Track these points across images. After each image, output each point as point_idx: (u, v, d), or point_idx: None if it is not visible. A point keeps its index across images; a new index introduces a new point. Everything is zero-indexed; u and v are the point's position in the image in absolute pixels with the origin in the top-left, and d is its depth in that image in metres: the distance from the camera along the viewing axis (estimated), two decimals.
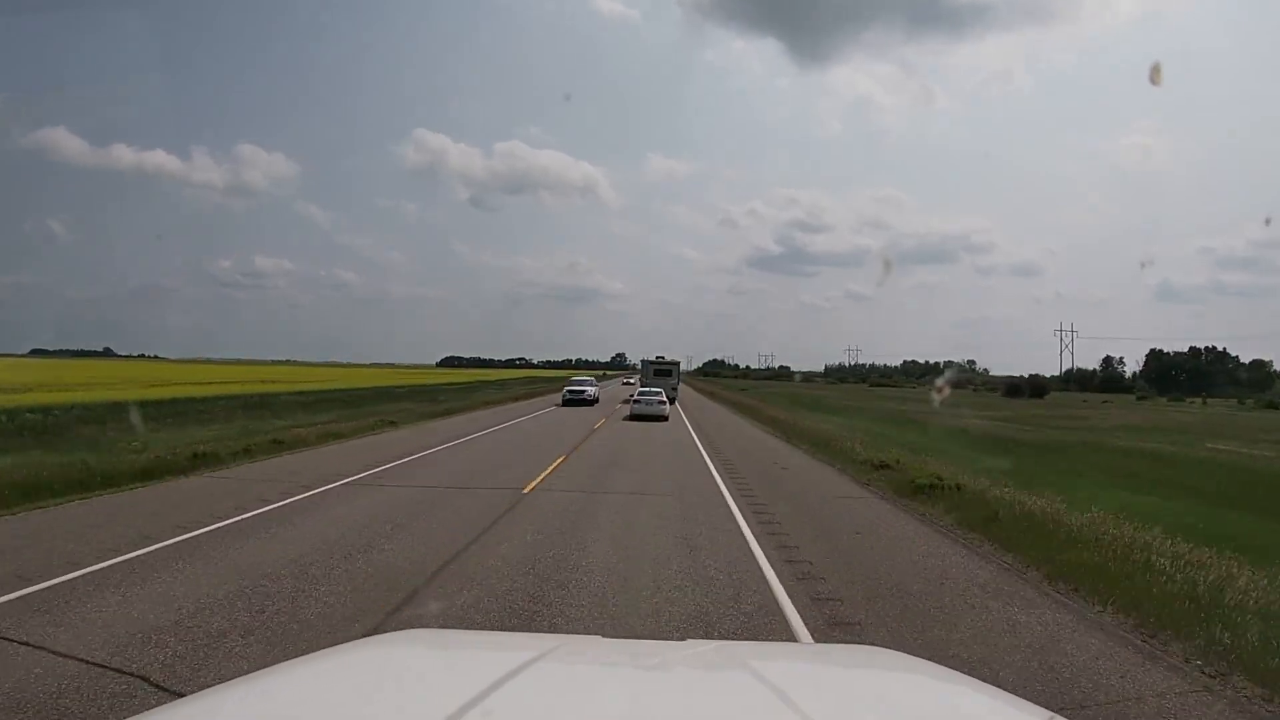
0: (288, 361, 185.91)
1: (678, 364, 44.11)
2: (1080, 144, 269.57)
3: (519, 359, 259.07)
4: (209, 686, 1.56)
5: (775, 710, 1.21)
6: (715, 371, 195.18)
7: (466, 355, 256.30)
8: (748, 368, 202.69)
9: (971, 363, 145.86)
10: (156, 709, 1.24)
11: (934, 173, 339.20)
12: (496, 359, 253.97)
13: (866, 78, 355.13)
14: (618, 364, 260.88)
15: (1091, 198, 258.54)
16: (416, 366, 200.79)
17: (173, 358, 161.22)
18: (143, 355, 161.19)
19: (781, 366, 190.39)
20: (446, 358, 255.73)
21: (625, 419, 26.07)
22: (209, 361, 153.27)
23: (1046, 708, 1.36)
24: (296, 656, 1.65)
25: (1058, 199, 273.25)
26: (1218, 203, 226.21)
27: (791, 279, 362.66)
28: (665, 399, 27.86)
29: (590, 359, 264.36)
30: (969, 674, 1.71)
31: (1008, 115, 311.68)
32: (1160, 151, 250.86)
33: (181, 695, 2.77)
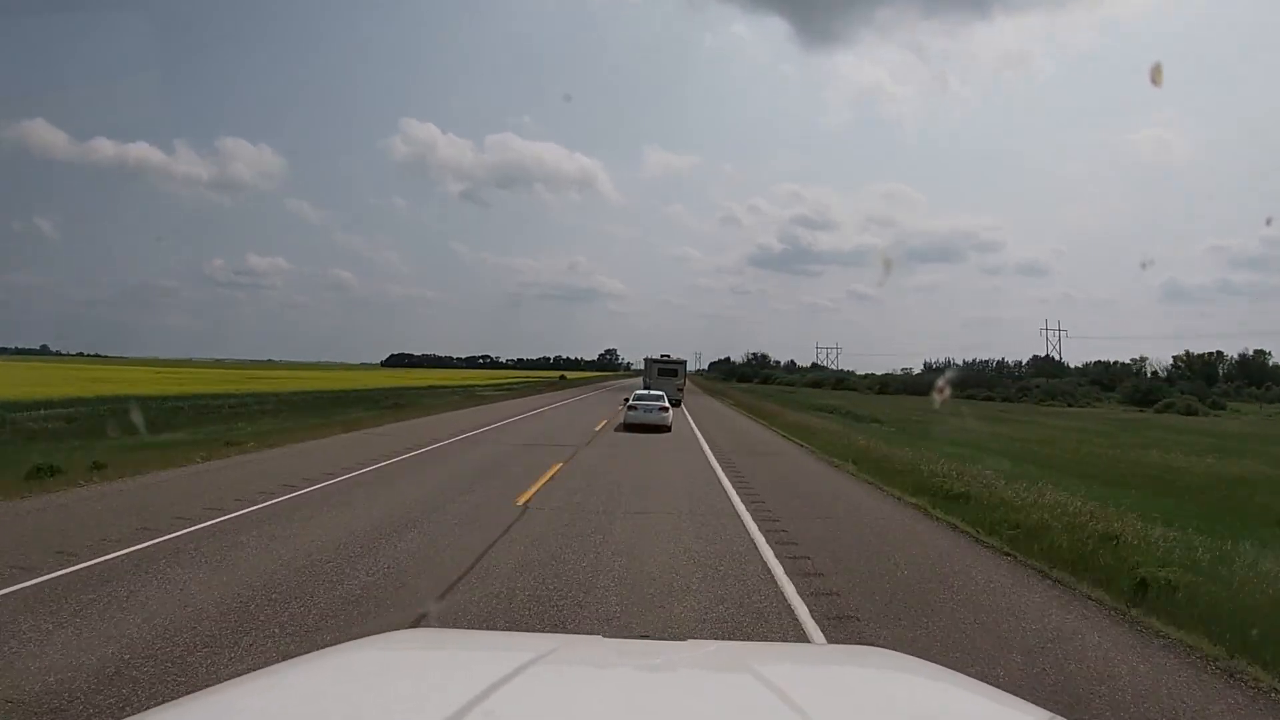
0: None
1: (684, 363, 40.84)
2: (1097, 136, 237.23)
3: (482, 357, 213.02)
4: (208, 686, 1.57)
5: (776, 711, 1.22)
6: (755, 374, 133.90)
7: (418, 353, 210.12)
8: (811, 364, 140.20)
9: (1264, 353, 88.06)
10: (156, 708, 1.25)
11: (945, 166, 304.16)
12: (455, 356, 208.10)
13: (877, 64, 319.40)
14: (607, 363, 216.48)
15: (1106, 192, 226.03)
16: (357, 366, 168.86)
17: (113, 355, 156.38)
18: (81, 354, 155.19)
19: (815, 365, 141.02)
20: (392, 355, 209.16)
21: (618, 429, 21.83)
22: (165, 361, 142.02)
23: (1045, 707, 1.39)
24: (298, 655, 1.74)
25: (1071, 193, 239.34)
26: (1235, 198, 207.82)
27: (796, 277, 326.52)
28: (667, 404, 23.32)
29: (573, 357, 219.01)
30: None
31: (1024, 104, 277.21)
32: (1180, 144, 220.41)
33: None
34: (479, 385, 61.34)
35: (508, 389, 56.05)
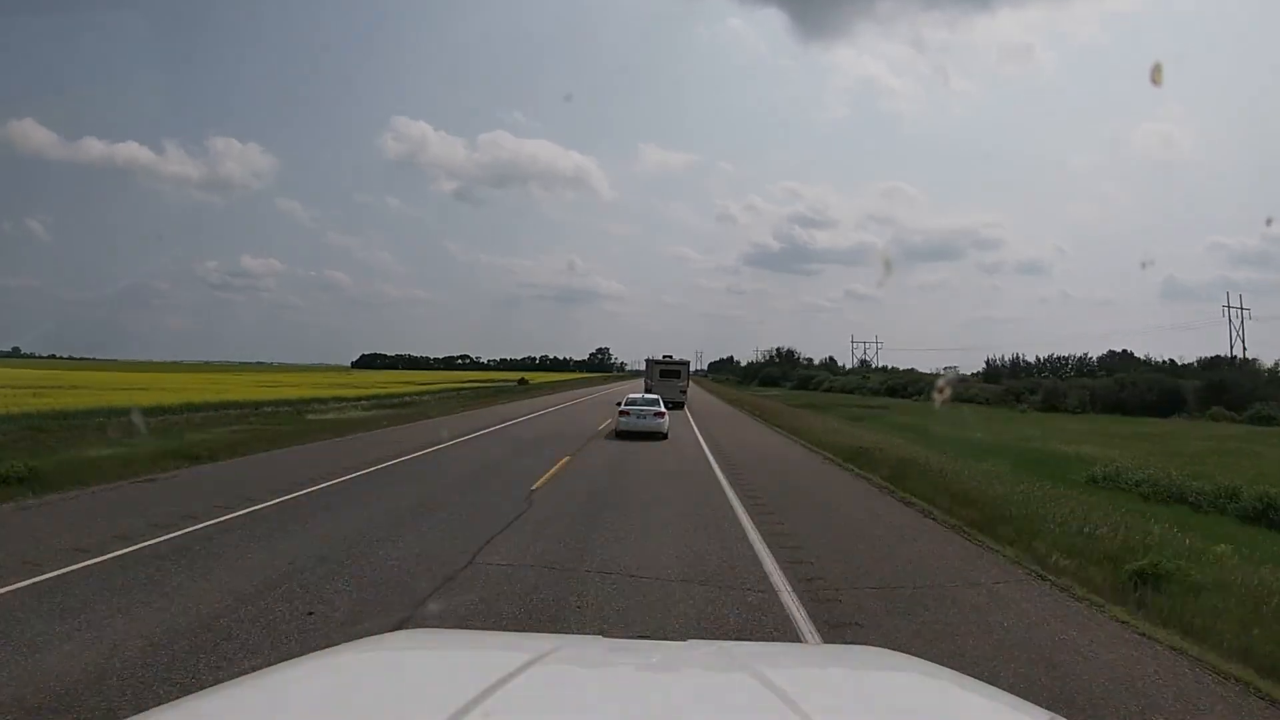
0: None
1: (686, 363, 39.83)
2: (1102, 131, 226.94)
3: (460, 358, 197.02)
4: (209, 686, 1.52)
5: (776, 711, 1.21)
6: (785, 375, 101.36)
7: (391, 354, 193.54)
8: (860, 363, 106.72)
9: None
10: (155, 709, 1.22)
11: (946, 163, 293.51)
12: (431, 357, 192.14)
13: (878, 58, 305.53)
14: (598, 364, 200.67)
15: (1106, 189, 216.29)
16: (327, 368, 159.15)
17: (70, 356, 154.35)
18: (54, 355, 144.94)
19: (863, 364, 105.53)
20: (363, 356, 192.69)
21: (609, 437, 20.69)
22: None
23: (1046, 708, 1.37)
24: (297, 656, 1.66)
25: (1073, 191, 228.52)
26: (1238, 195, 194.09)
27: (795, 276, 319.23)
28: (663, 409, 21.68)
29: (560, 357, 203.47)
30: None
31: (1026, 99, 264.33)
32: (1184, 139, 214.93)
33: None
34: (376, 396, 40.14)
35: (407, 404, 34.97)
